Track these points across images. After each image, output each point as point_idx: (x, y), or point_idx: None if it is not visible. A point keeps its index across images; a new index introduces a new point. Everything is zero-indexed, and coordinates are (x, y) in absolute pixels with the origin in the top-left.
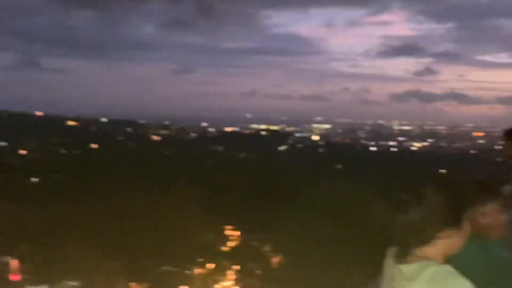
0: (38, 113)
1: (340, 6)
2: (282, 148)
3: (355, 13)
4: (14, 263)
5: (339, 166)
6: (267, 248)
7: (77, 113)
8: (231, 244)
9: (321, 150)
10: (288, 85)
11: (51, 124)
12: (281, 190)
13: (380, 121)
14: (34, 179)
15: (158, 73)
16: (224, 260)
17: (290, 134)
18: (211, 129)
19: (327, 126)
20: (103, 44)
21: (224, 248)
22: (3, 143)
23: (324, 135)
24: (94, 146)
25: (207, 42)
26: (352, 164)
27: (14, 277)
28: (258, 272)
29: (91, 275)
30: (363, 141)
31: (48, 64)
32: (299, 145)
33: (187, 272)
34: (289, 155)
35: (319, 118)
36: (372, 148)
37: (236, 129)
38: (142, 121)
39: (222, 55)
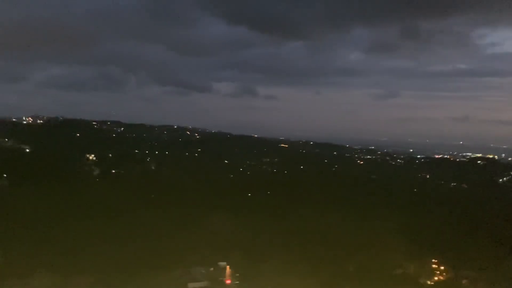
0: (255, 136)
1: None
2: (503, 179)
3: None
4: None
5: None
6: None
7: (288, 136)
8: (436, 278)
9: None
10: (509, 109)
11: (267, 145)
12: (500, 228)
13: None
14: (249, 194)
15: (363, 98)
16: None
17: None
18: (419, 156)
19: None
20: (311, 72)
21: (428, 282)
22: (226, 161)
23: None
24: (302, 166)
25: (413, 65)
26: None
27: (228, 281)
28: None
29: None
30: None
31: (263, 91)
32: None
33: None
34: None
35: None
36: None
37: (446, 156)
38: (347, 145)
39: (430, 78)
